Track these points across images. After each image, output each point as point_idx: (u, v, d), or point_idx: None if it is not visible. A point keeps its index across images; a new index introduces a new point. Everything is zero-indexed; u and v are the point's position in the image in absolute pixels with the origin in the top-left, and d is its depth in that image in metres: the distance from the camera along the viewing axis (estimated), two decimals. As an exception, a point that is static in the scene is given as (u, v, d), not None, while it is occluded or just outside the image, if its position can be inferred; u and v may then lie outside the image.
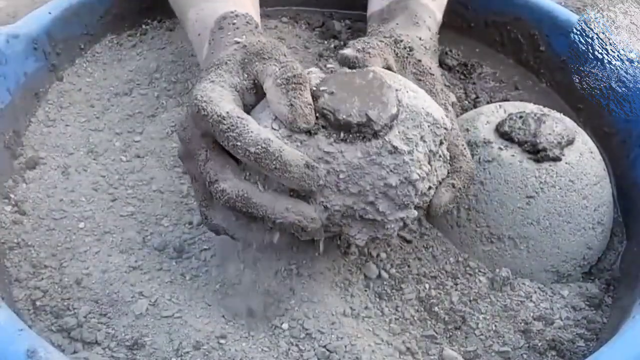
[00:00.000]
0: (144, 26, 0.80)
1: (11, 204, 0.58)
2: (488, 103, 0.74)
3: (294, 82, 0.47)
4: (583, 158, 0.60)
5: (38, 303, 0.51)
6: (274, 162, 0.44)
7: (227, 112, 0.45)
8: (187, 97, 0.48)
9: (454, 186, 0.51)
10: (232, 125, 0.45)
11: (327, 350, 0.50)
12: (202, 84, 0.48)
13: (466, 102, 0.75)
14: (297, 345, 0.50)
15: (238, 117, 0.45)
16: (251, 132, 0.45)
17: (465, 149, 0.54)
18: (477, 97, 0.75)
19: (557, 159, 0.58)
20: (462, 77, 0.79)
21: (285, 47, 0.53)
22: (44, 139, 0.65)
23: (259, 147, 0.44)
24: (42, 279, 0.53)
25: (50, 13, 0.69)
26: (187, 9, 0.63)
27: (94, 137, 0.66)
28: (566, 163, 0.58)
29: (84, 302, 0.52)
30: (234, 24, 0.56)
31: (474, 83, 0.78)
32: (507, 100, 0.75)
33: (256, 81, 0.50)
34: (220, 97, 0.47)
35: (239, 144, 0.44)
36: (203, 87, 0.48)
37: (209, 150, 0.47)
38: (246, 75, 0.50)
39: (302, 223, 0.46)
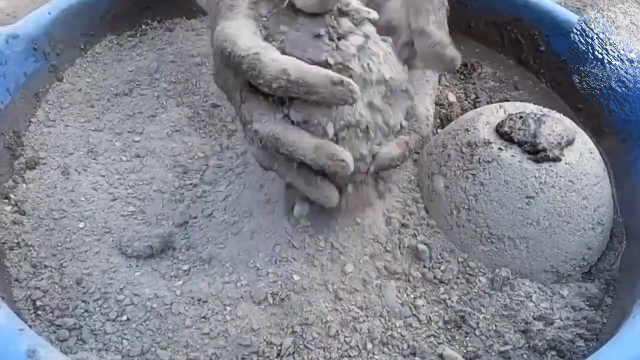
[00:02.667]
0: (144, 26, 0.80)
1: (11, 204, 0.58)
2: (488, 103, 0.74)
3: None
4: (583, 158, 0.60)
5: (38, 303, 0.51)
6: (301, 89, 0.45)
7: (244, 51, 0.45)
8: (213, 40, 0.49)
9: (407, 143, 0.51)
10: (251, 64, 0.45)
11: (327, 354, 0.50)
12: (219, 22, 0.48)
13: (466, 102, 0.75)
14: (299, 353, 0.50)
15: (254, 55, 0.45)
16: (268, 68, 0.45)
17: (429, 116, 0.54)
18: (477, 97, 0.75)
19: (556, 160, 0.58)
20: (462, 77, 0.79)
21: None
22: (44, 139, 0.65)
23: (281, 80, 0.44)
24: (42, 279, 0.53)
25: (50, 13, 0.69)
26: None
27: (94, 137, 0.66)
28: (566, 163, 0.58)
29: (84, 302, 0.52)
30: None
31: (473, 83, 0.78)
32: (506, 100, 0.75)
33: None
34: (237, 32, 0.47)
35: (261, 82, 0.45)
36: (221, 27, 0.48)
37: (242, 91, 0.48)
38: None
39: (331, 167, 0.46)
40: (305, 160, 0.47)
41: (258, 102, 0.48)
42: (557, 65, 0.77)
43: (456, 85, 0.78)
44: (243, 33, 0.47)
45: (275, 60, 0.45)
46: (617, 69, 0.70)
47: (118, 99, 0.71)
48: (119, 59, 0.76)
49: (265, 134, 0.47)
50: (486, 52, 0.83)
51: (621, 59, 0.70)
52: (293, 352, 0.50)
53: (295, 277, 0.53)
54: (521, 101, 0.70)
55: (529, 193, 0.57)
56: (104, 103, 0.70)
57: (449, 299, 0.56)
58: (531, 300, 0.56)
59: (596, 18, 0.74)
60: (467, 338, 0.53)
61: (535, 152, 0.58)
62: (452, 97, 0.74)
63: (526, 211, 0.57)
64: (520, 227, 0.58)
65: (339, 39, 0.49)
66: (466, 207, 0.59)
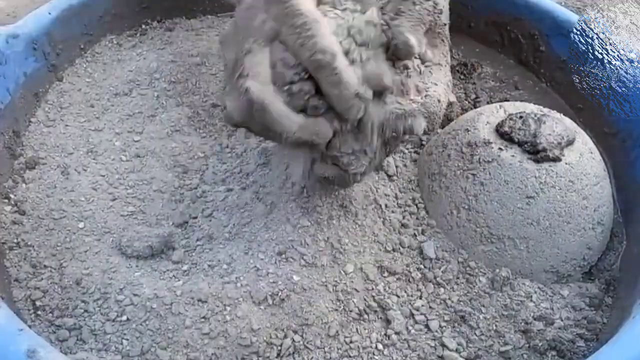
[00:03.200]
0: (143, 26, 0.80)
1: (11, 204, 0.58)
2: (488, 103, 0.74)
3: None
4: (583, 158, 0.60)
5: (38, 303, 0.51)
6: (331, 77, 0.45)
7: (307, 9, 0.45)
8: None
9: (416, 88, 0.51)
10: (308, 25, 0.45)
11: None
12: None
13: (466, 102, 0.75)
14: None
15: (315, 19, 0.45)
16: (324, 38, 0.45)
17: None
18: (477, 97, 0.75)
19: (557, 160, 0.58)
20: (462, 77, 0.79)
21: None
22: (44, 139, 0.65)
23: (327, 55, 0.44)
24: (42, 279, 0.53)
25: (50, 13, 0.69)
26: None
27: (94, 137, 0.66)
28: (566, 163, 0.58)
29: (84, 302, 0.52)
30: None
31: (474, 83, 0.78)
32: (507, 100, 0.75)
33: None
34: None
35: (308, 44, 0.44)
36: None
37: (256, 43, 0.47)
38: None
39: (316, 141, 0.47)
40: (288, 137, 0.46)
41: (264, 60, 0.47)
42: (557, 65, 0.77)
43: (456, 85, 0.77)
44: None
45: (331, 38, 0.45)
46: (617, 69, 0.70)
47: (118, 99, 0.71)
48: (119, 59, 0.76)
49: (256, 97, 0.45)
50: (486, 52, 0.83)
51: (621, 59, 0.70)
52: (293, 352, 0.50)
53: (295, 278, 0.53)
54: (521, 101, 0.70)
55: (529, 193, 0.57)
56: (104, 103, 0.70)
57: (449, 299, 0.56)
58: (531, 300, 0.56)
59: (596, 18, 0.74)
60: (467, 338, 0.53)
61: (536, 152, 0.58)
62: (452, 97, 0.74)
63: (526, 211, 0.57)
64: (520, 227, 0.58)
65: None
66: (466, 207, 0.59)
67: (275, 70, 0.47)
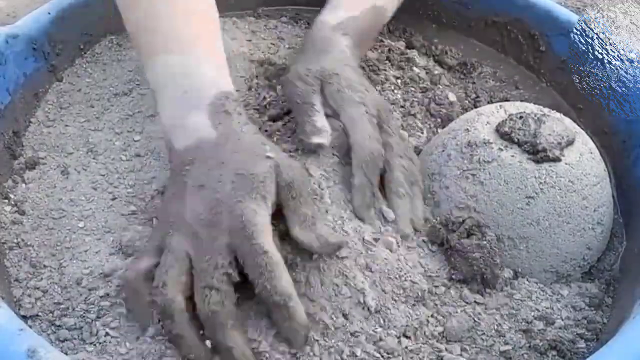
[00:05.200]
0: (143, 26, 0.80)
1: (11, 204, 0.58)
2: (488, 103, 0.74)
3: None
4: (583, 158, 0.60)
5: (38, 303, 0.51)
6: (284, 313, 0.48)
7: (271, 249, 0.48)
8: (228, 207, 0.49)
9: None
10: (271, 267, 0.47)
11: None
12: (248, 203, 0.49)
13: (466, 101, 0.75)
14: None
15: (277, 262, 0.48)
16: (282, 281, 0.48)
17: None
18: (477, 97, 0.75)
19: (557, 160, 0.58)
20: (462, 76, 0.79)
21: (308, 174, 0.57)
22: (44, 139, 0.65)
23: (283, 299, 0.47)
24: (42, 279, 0.53)
25: (49, 13, 0.69)
26: (156, 51, 0.59)
27: (94, 137, 0.66)
28: (566, 163, 0.58)
29: (84, 302, 0.52)
30: (239, 113, 0.56)
31: (473, 82, 0.78)
32: (507, 100, 0.75)
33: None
34: (265, 226, 0.49)
35: (268, 286, 0.47)
36: (251, 209, 0.49)
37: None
38: (274, 202, 0.52)
39: None
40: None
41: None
42: (557, 65, 0.77)
43: (456, 84, 0.78)
44: (267, 229, 0.50)
45: (288, 279, 0.48)
46: (617, 69, 0.70)
47: (118, 98, 0.70)
48: (119, 59, 0.76)
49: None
50: (486, 52, 0.83)
51: (621, 59, 0.70)
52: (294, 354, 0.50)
53: (297, 280, 0.53)
54: (521, 101, 0.70)
55: (529, 193, 0.57)
56: (103, 103, 0.70)
57: (450, 299, 0.55)
58: (531, 300, 0.56)
59: (596, 18, 0.74)
60: (468, 338, 0.53)
61: (535, 152, 0.58)
62: (452, 97, 0.74)
63: (526, 211, 0.57)
64: (520, 227, 0.58)
65: None
66: (466, 207, 0.59)
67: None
